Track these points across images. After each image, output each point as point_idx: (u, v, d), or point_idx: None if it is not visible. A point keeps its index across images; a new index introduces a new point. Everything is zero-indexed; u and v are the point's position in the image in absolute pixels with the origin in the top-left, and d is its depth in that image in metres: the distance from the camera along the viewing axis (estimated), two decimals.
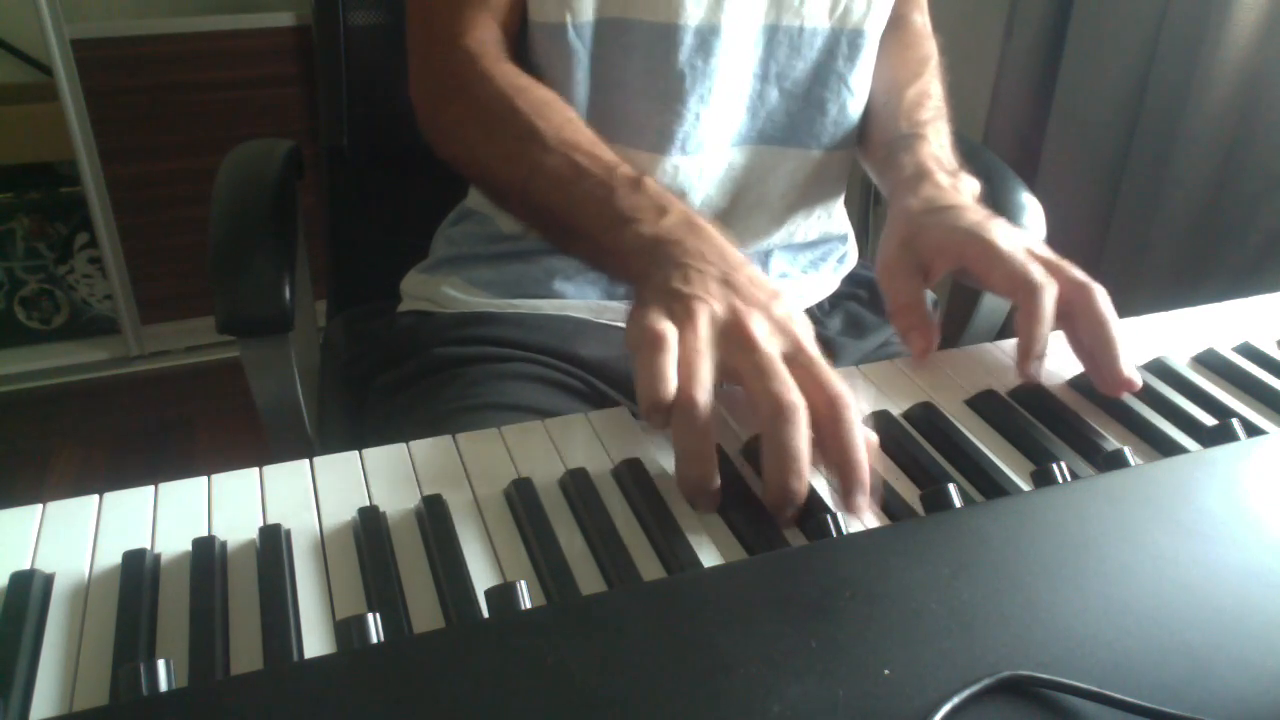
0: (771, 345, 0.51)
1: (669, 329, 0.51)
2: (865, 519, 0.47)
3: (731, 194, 0.79)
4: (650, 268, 0.56)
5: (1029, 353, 0.56)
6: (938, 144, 0.72)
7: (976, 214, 0.62)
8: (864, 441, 0.48)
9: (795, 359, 0.51)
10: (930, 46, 0.83)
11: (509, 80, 0.68)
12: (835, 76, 0.77)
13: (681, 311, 0.52)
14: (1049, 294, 0.56)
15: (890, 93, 0.79)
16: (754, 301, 0.53)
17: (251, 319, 0.72)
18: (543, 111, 0.66)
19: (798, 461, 0.47)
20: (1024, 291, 0.56)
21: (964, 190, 0.67)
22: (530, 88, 0.68)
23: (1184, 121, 1.24)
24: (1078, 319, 0.57)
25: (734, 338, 0.51)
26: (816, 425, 0.48)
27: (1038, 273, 0.57)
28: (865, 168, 0.82)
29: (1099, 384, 0.56)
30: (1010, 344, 0.64)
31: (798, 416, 0.47)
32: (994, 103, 1.56)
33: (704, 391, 0.49)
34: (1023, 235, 0.61)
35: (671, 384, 0.49)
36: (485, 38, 0.70)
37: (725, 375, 0.51)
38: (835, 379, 0.50)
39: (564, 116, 0.66)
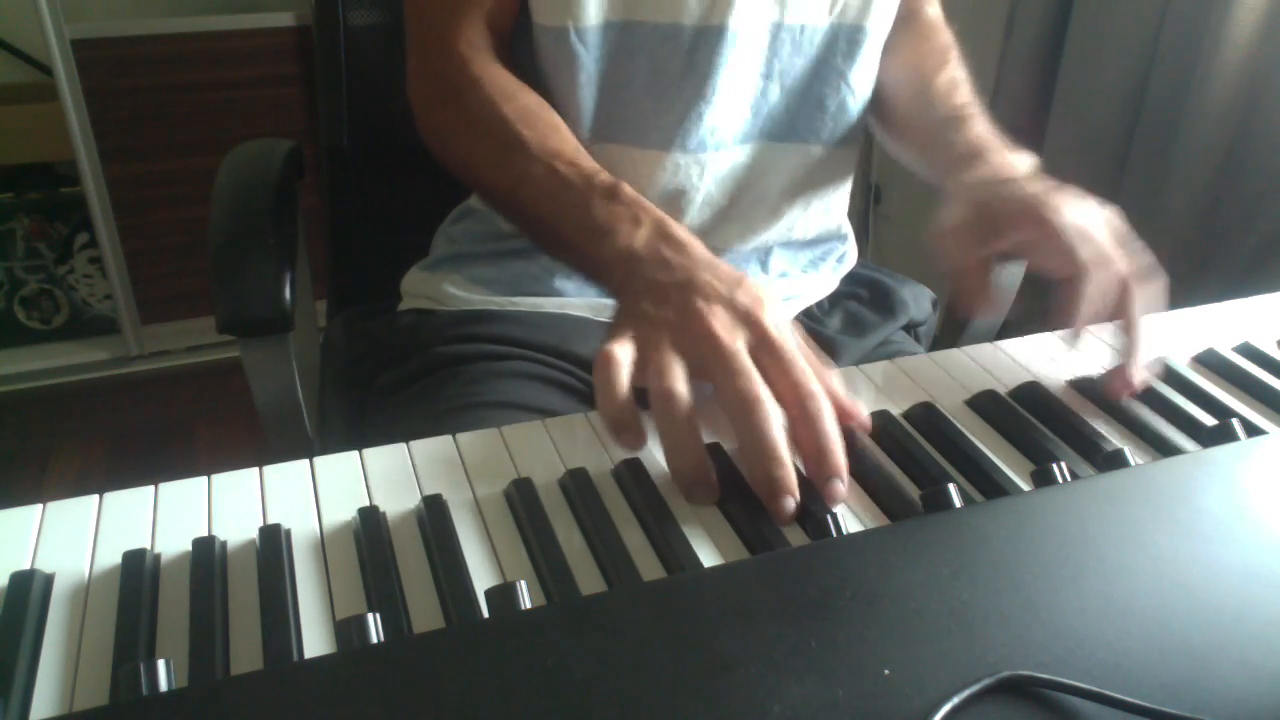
0: (735, 338, 0.51)
1: (620, 349, 0.52)
2: (850, 509, 0.47)
3: (732, 191, 0.79)
4: (625, 284, 0.57)
5: (1069, 333, 0.58)
6: (983, 124, 0.73)
7: (1038, 185, 0.62)
8: (834, 427, 0.49)
9: (760, 348, 0.52)
10: (948, 36, 0.83)
11: (498, 86, 0.69)
12: (835, 73, 0.77)
13: (647, 331, 0.53)
14: (1093, 280, 0.56)
15: (920, 82, 0.79)
16: (715, 297, 0.53)
17: (252, 319, 0.72)
18: (528, 119, 0.67)
19: (773, 448, 0.47)
20: (1067, 273, 0.57)
21: (1020, 164, 0.67)
22: (517, 94, 0.69)
23: (1184, 121, 1.24)
24: (1116, 312, 0.58)
25: (696, 337, 0.52)
26: (786, 415, 0.49)
27: (1085, 254, 0.57)
28: (905, 157, 0.81)
29: (1107, 378, 0.57)
30: (1009, 344, 0.64)
31: (762, 408, 0.48)
32: (994, 102, 1.56)
33: (678, 382, 0.50)
34: (1084, 211, 0.60)
35: (623, 391, 0.50)
36: (477, 40, 0.72)
37: (695, 375, 0.52)
38: (799, 366, 0.51)
39: (549, 124, 0.68)
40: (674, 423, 0.49)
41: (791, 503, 0.47)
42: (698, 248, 0.58)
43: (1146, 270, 0.58)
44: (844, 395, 0.52)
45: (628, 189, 0.62)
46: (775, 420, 0.48)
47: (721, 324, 0.52)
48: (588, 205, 0.61)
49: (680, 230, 0.59)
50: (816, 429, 0.49)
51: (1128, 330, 0.57)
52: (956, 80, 0.78)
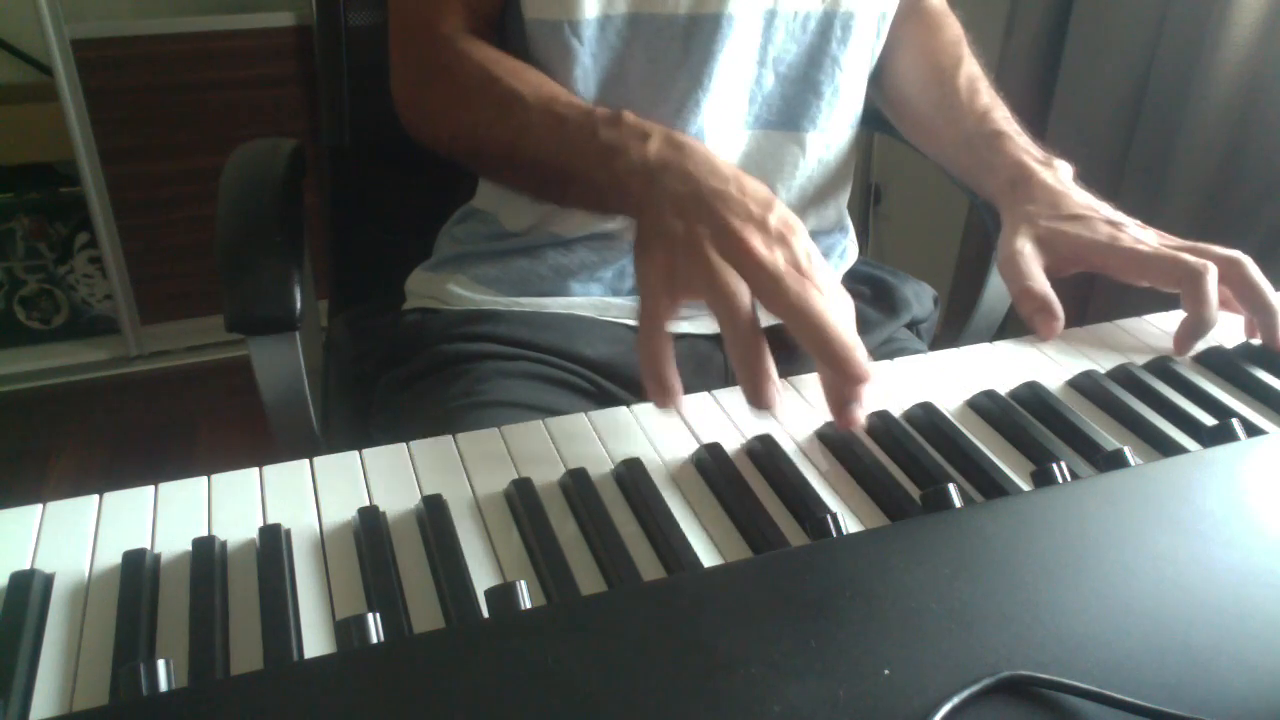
0: (776, 257, 0.53)
1: (664, 302, 0.53)
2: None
3: None
4: (645, 198, 0.58)
5: (1196, 335, 0.61)
6: (1017, 133, 0.75)
7: (1100, 223, 0.66)
8: (861, 349, 0.51)
9: (794, 271, 0.53)
10: (956, 26, 0.84)
11: (483, 54, 0.71)
12: (829, 59, 0.78)
13: (683, 250, 0.54)
14: (1211, 278, 0.61)
15: (942, 83, 0.80)
16: (748, 216, 0.54)
17: (261, 317, 0.72)
18: (519, 75, 0.69)
19: (846, 336, 0.50)
20: (1189, 281, 0.61)
21: (1069, 185, 0.70)
22: (502, 58, 0.71)
23: (1184, 121, 1.24)
24: (1236, 289, 0.63)
25: (736, 255, 0.53)
26: None
27: (1194, 261, 0.62)
28: (940, 163, 0.82)
29: (1268, 341, 0.62)
30: (1009, 343, 0.64)
31: (824, 307, 0.50)
32: None
33: (738, 285, 0.52)
34: (1150, 232, 0.66)
35: (665, 353, 0.53)
36: (459, 24, 0.74)
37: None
38: (832, 289, 0.53)
39: (539, 77, 0.70)
40: (740, 325, 0.51)
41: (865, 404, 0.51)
42: (714, 156, 0.59)
43: (1227, 250, 0.64)
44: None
45: (630, 114, 0.63)
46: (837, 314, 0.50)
47: (760, 243, 0.53)
48: (593, 134, 0.62)
49: (691, 139, 0.60)
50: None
51: (1261, 294, 0.62)
52: (974, 78, 0.80)
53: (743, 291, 0.52)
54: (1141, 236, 0.65)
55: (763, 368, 0.51)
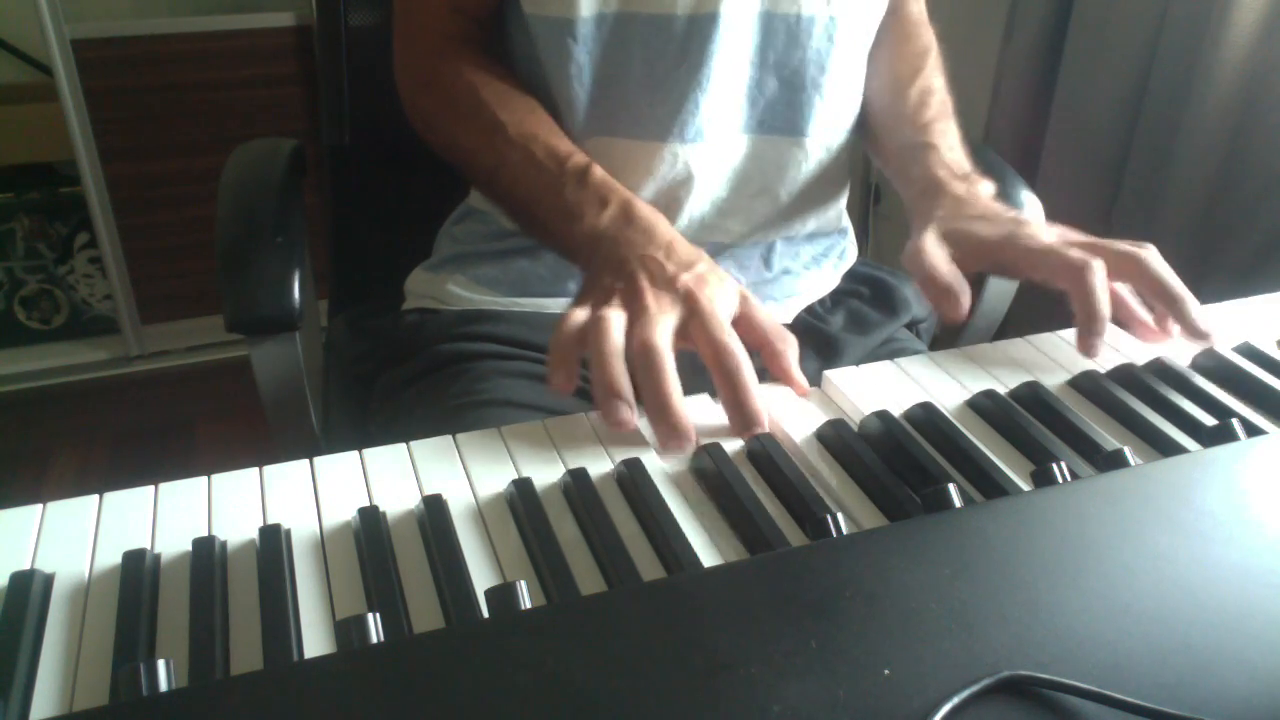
0: (661, 305, 0.56)
1: (577, 311, 0.57)
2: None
3: (732, 182, 0.79)
4: (590, 261, 0.63)
5: (1091, 330, 0.59)
6: (946, 147, 0.75)
7: (1003, 221, 0.66)
8: (749, 382, 0.53)
9: (691, 322, 0.56)
10: (929, 36, 0.85)
11: (474, 72, 0.73)
12: (829, 62, 0.78)
13: (599, 298, 0.59)
14: (1095, 271, 0.59)
15: (895, 92, 0.80)
16: (660, 277, 0.58)
17: (260, 318, 0.73)
18: (506, 103, 0.71)
19: (659, 392, 0.52)
20: (1071, 276, 0.59)
21: (980, 195, 0.70)
22: (492, 79, 0.73)
23: (1184, 121, 1.24)
24: (1138, 284, 0.61)
25: (630, 303, 0.57)
26: (711, 372, 0.55)
27: (1079, 255, 0.60)
28: (884, 171, 0.82)
29: (1184, 328, 0.60)
30: (1009, 343, 0.64)
31: (657, 354, 0.53)
32: (994, 103, 1.56)
33: (614, 322, 0.55)
34: (1054, 229, 0.65)
35: (571, 343, 0.56)
36: (455, 28, 0.75)
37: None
38: (720, 329, 0.55)
39: (526, 107, 0.72)
40: (603, 354, 0.54)
41: (687, 444, 0.52)
42: (660, 228, 0.62)
43: (1132, 244, 0.62)
44: (792, 365, 0.58)
45: (598, 171, 0.66)
46: (668, 366, 0.53)
47: (654, 295, 0.57)
48: (560, 189, 0.65)
49: (645, 211, 0.64)
50: (733, 382, 0.53)
51: (1165, 286, 0.60)
52: (928, 90, 0.80)
53: (611, 336, 0.54)
54: (1040, 233, 0.63)
55: (615, 413, 0.53)
